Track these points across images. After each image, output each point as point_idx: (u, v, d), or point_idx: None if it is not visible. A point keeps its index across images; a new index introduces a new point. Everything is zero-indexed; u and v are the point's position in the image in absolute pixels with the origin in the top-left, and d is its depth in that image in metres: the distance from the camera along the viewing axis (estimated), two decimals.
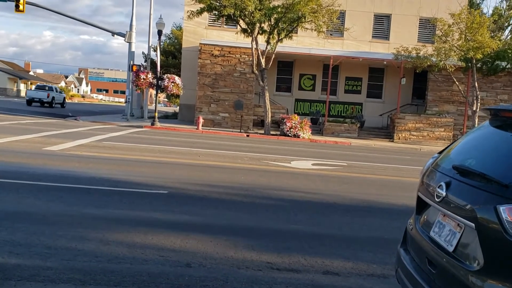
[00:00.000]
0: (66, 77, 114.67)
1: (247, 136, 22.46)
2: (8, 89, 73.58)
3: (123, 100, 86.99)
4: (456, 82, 25.32)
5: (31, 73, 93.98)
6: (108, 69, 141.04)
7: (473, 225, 2.30)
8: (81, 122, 23.51)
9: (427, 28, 28.68)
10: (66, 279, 3.50)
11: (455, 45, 23.75)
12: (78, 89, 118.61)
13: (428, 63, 24.03)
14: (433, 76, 26.95)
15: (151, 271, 3.83)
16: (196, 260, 4.19)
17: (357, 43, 28.72)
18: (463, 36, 23.58)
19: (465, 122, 26.86)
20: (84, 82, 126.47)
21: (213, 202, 6.78)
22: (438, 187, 2.69)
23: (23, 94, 77.31)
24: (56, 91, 41.91)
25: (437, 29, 25.50)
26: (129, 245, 4.41)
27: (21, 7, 28.06)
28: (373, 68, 29.82)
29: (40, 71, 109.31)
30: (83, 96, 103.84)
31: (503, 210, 2.15)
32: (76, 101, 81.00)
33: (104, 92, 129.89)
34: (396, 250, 3.23)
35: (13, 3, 28.14)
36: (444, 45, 24.02)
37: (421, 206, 3.05)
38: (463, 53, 23.45)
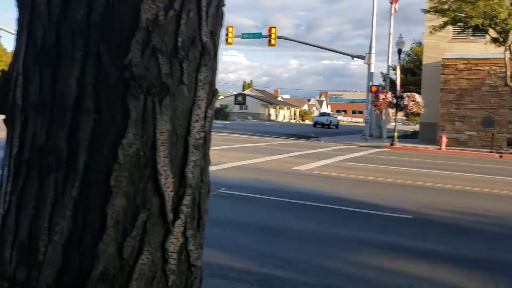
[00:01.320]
0: (309, 100, 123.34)
1: (500, 157, 20.07)
2: (260, 114, 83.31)
3: (360, 120, 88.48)
4: None
5: (279, 98, 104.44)
6: (346, 91, 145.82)
7: None
8: (323, 142, 24.85)
9: None
10: None
11: None
12: (319, 111, 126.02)
13: None
14: None
15: None
16: None
17: None
18: None
19: None
20: (324, 104, 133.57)
21: (463, 231, 6.29)
22: None
23: (272, 117, 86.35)
24: (332, 116, 56.35)
25: None
26: (376, 268, 4.46)
27: (272, 42, 31.65)
28: None
29: (286, 96, 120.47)
30: None
31: None
32: None
33: (343, 112, 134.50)
34: None
35: (266, 39, 31.98)
36: None
37: None
38: None
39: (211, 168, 1.29)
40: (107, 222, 1.01)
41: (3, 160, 1.14)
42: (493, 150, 21.93)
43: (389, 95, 25.04)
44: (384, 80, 32.30)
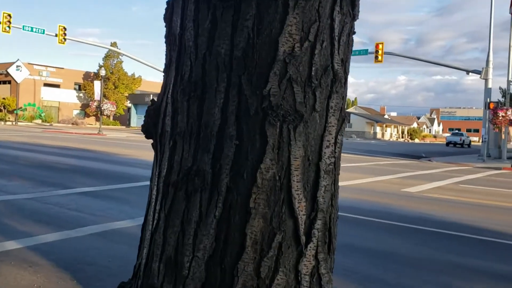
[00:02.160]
0: (418, 118, 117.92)
1: None
2: (366, 132, 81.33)
3: (476, 139, 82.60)
4: None
5: (385, 116, 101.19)
6: (460, 108, 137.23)
7: None
8: (435, 163, 23.57)
9: None
10: None
11: None
12: (429, 130, 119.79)
13: None
14: None
15: None
16: None
17: None
18: None
19: None
20: (435, 122, 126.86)
21: None
22: None
23: (379, 136, 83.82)
24: (465, 136, 57.36)
25: None
26: None
27: (379, 58, 30.94)
28: None
29: (393, 114, 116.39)
30: (434, 136, 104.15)
31: None
32: (428, 142, 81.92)
33: (456, 131, 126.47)
34: None
35: (373, 55, 31.33)
36: None
37: None
38: None
39: None
40: (246, 242, 1.08)
41: (151, 181, 1.27)
42: None
43: (509, 112, 23.14)
44: (504, 96, 29.85)
